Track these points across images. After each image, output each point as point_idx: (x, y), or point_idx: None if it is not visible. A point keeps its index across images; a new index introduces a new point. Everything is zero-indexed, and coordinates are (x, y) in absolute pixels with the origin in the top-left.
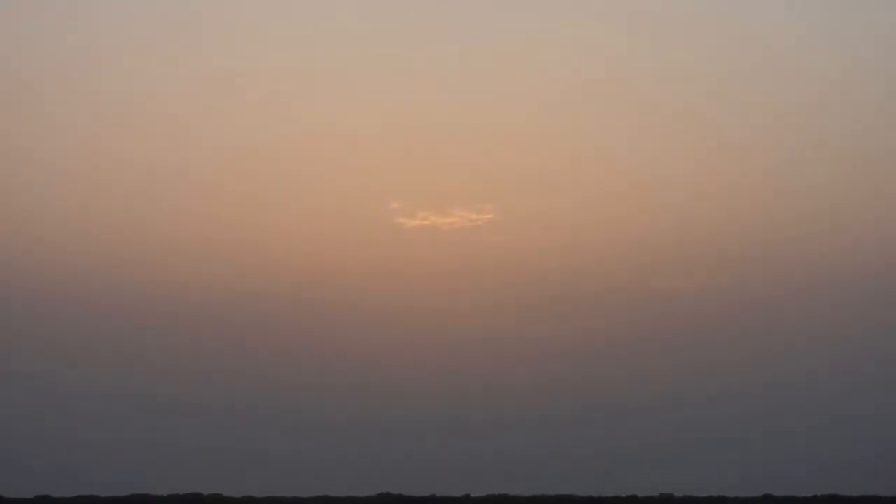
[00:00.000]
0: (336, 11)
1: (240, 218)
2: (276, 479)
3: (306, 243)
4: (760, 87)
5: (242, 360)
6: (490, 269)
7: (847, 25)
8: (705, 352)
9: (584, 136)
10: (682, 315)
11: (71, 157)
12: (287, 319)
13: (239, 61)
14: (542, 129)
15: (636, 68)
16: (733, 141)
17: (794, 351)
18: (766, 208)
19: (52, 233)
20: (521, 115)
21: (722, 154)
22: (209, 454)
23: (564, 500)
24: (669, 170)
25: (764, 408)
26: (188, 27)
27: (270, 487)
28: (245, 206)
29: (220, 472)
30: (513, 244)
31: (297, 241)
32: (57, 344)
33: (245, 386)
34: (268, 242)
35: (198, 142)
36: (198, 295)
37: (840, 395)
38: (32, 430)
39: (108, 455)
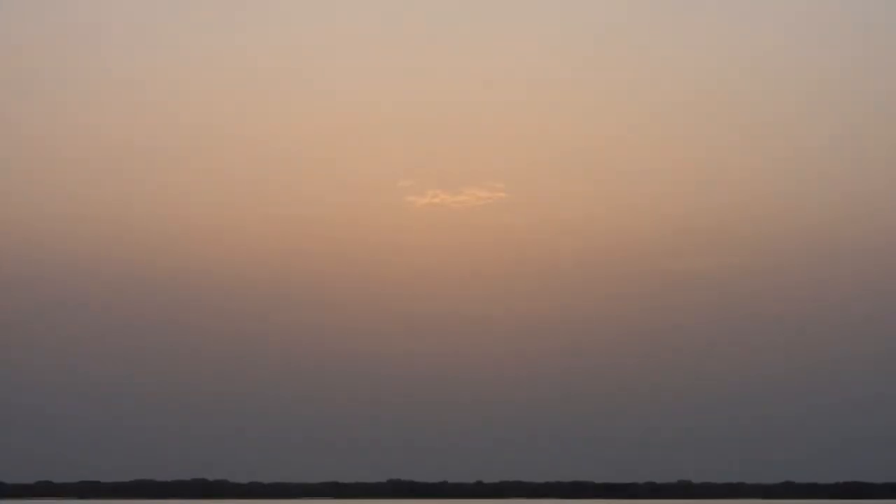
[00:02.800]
0: None
1: (249, 200)
2: (283, 465)
3: (314, 224)
4: (778, 77)
5: (251, 344)
6: (501, 248)
7: (856, 21)
8: (721, 334)
9: (600, 116)
10: (694, 296)
11: (68, 143)
12: (296, 301)
13: (248, 41)
14: (556, 107)
15: (655, 53)
16: (748, 128)
17: (812, 336)
18: (778, 194)
19: (43, 221)
20: (535, 93)
21: (735, 140)
22: (215, 440)
23: (580, 486)
24: (685, 154)
25: (783, 393)
26: (191, 3)
27: (277, 473)
28: (254, 187)
29: (226, 458)
30: (525, 224)
31: (305, 222)
32: (55, 331)
33: (253, 371)
34: (276, 224)
35: (205, 124)
36: (208, 279)
37: (863, 380)
38: (33, 416)
39: (111, 441)
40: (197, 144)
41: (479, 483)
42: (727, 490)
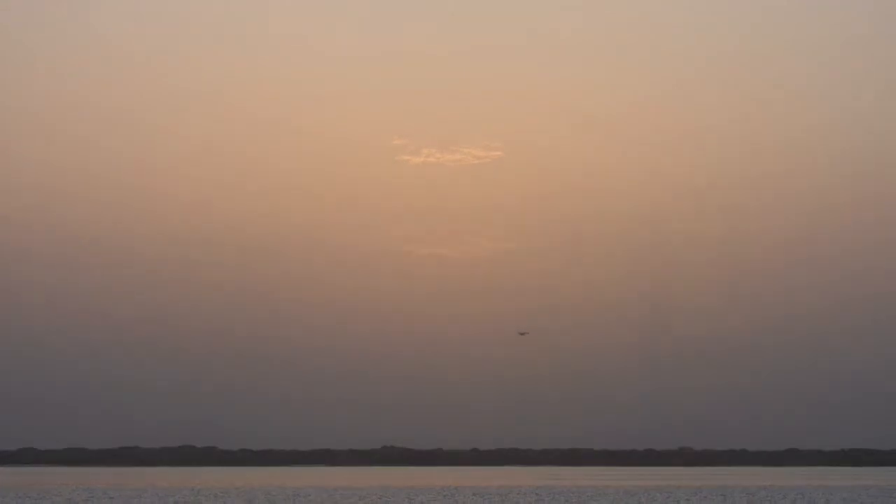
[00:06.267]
0: None
1: (241, 161)
2: (274, 433)
3: (306, 184)
4: (793, 47)
5: (242, 310)
6: (498, 208)
7: None
8: (727, 300)
9: (601, 76)
10: (695, 261)
11: (56, 109)
12: (289, 265)
13: (241, 3)
14: (555, 65)
15: (658, 18)
16: (755, 94)
17: (817, 304)
18: (780, 165)
19: (13, 185)
20: (534, 51)
21: (747, 106)
22: (203, 406)
23: (576, 453)
24: (686, 116)
25: (786, 361)
26: None
27: (268, 441)
28: (244, 148)
29: (215, 425)
30: (523, 183)
31: (298, 183)
32: (39, 300)
33: (243, 336)
34: (268, 185)
35: (197, 88)
36: (200, 244)
37: (869, 349)
38: (17, 383)
39: (97, 407)
40: (190, 108)
41: (475, 450)
42: (729, 457)
